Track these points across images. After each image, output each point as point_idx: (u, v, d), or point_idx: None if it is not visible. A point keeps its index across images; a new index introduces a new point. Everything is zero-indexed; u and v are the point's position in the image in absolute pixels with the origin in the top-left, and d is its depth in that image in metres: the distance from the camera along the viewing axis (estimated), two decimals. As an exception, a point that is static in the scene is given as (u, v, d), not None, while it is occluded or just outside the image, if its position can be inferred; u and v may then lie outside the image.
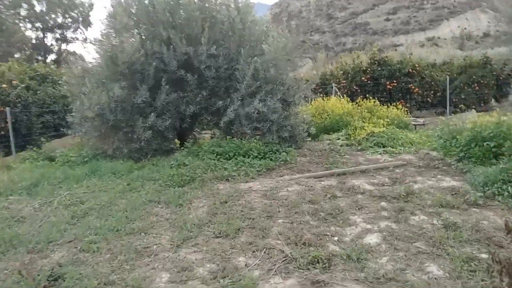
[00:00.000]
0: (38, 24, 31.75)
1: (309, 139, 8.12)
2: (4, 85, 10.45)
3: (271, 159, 6.38)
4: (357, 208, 4.10)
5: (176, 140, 8.55)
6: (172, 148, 7.45)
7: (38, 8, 31.15)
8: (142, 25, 7.24)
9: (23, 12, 30.46)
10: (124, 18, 6.92)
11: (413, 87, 14.27)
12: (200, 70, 7.20)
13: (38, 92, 12.69)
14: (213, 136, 8.38)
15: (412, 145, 7.06)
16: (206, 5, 7.65)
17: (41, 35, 32.24)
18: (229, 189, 4.99)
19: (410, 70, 14.38)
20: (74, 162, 6.92)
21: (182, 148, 7.02)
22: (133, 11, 7.25)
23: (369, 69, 14.66)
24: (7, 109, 9.08)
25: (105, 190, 5.30)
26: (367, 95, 14.33)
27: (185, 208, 4.42)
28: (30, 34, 32.41)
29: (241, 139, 6.98)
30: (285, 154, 6.47)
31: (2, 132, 10.07)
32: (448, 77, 14.52)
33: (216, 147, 6.71)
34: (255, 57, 7.03)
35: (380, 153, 6.62)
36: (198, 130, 8.70)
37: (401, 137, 7.37)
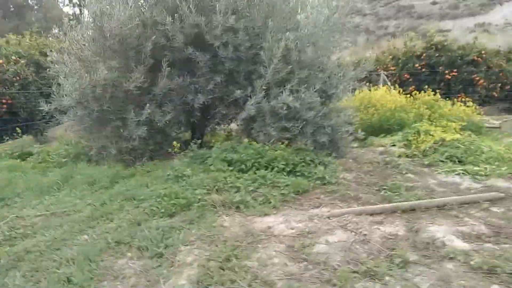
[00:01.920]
0: (75, 0, 31.05)
1: (355, 144, 6.23)
2: (0, 61, 9.16)
3: (302, 175, 4.58)
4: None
5: (186, 134, 6.93)
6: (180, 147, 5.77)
7: None
8: (140, -15, 5.54)
9: None
10: (117, -24, 5.25)
11: (477, 78, 11.87)
12: (214, 48, 5.44)
13: (47, 70, 11.42)
14: (229, 134, 6.66)
15: (501, 162, 5.02)
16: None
17: (78, 11, 31.62)
18: (238, 228, 3.28)
19: (475, 57, 11.95)
20: (50, 163, 5.45)
21: (185, 151, 5.35)
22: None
23: (424, 54, 12.35)
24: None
25: (67, 214, 3.75)
26: (421, 86, 12.22)
27: (165, 264, 2.77)
28: (68, 9, 31.87)
29: (263, 142, 5.23)
30: (322, 169, 4.65)
31: (-2, 115, 8.84)
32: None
33: (230, 152, 5.00)
34: (287, 32, 5.18)
35: (458, 174, 4.65)
36: (214, 126, 6.96)
37: (484, 149, 5.34)
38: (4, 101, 9.03)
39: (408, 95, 9.29)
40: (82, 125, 5.54)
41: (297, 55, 5.24)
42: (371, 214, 3.54)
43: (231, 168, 4.68)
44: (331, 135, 5.36)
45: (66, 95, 5.25)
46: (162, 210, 3.65)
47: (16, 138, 7.17)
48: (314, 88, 5.05)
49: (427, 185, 4.34)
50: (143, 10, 5.51)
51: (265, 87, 5.25)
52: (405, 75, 12.53)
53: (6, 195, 4.16)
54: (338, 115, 5.55)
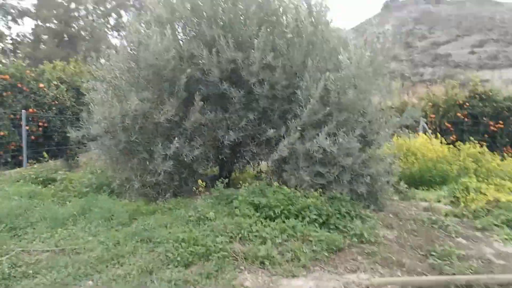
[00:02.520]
0: (123, 33, 32.63)
1: (396, 197, 5.68)
2: (41, 85, 9.42)
3: (337, 229, 4.11)
4: None
5: (214, 169, 6.65)
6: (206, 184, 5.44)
7: (125, 18, 32.12)
8: (179, 18, 5.48)
9: (112, 21, 31.48)
10: (158, 8, 5.23)
11: (527, 132, 11.06)
12: (249, 85, 5.23)
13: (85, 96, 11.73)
14: (258, 174, 6.30)
15: None
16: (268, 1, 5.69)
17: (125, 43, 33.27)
18: (261, 291, 2.84)
19: (525, 109, 11.20)
20: (71, 192, 5.25)
21: (211, 189, 5.02)
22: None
23: (467, 103, 11.73)
24: (23, 112, 7.84)
25: (77, 252, 3.45)
26: (463, 136, 11.52)
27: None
28: (116, 41, 33.65)
29: (294, 187, 4.83)
30: (359, 224, 4.16)
31: (33, 137, 8.96)
32: None
33: (258, 195, 4.61)
34: (327, 73, 4.90)
35: (518, 243, 4.03)
36: (243, 164, 6.64)
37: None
38: (40, 124, 9.19)
39: (450, 146, 8.70)
40: (108, 155, 5.36)
41: (336, 97, 4.91)
42: (419, 287, 3.00)
43: (258, 213, 4.29)
44: (370, 185, 4.88)
45: (95, 123, 5.13)
46: (178, 258, 3.27)
47: (46, 161, 7.13)
48: (354, 133, 4.65)
49: (483, 255, 3.73)
50: (180, 43, 5.43)
51: (300, 128, 4.91)
52: (446, 124, 11.88)
53: (19, 224, 3.93)
54: (378, 163, 5.09)
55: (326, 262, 3.40)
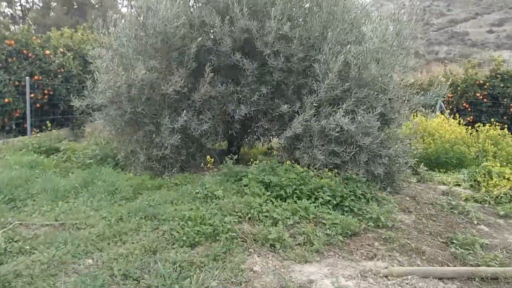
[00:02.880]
0: (133, 2, 31.94)
1: (414, 179, 5.41)
2: (47, 52, 9.13)
3: (351, 212, 3.89)
4: None
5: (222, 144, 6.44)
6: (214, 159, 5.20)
7: None
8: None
9: None
10: (167, -30, 4.85)
11: (549, 116, 10.60)
12: (263, 56, 4.91)
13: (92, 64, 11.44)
14: (268, 151, 6.06)
15: None
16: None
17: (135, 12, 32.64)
18: (272, 277, 2.65)
19: (548, 92, 10.69)
20: (74, 163, 5.07)
21: (219, 165, 4.81)
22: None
23: (488, 83, 11.23)
24: (27, 78, 7.60)
25: (77, 227, 3.29)
26: (481, 117, 11.11)
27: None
28: (125, 10, 32.97)
29: (307, 166, 4.59)
30: (375, 207, 3.93)
31: (38, 105, 8.78)
32: None
33: (269, 174, 4.39)
34: (348, 45, 4.54)
35: (545, 232, 3.78)
36: (253, 140, 6.39)
37: None
38: (46, 91, 8.97)
39: (468, 127, 8.36)
40: (113, 125, 5.15)
41: (357, 72, 4.58)
42: (441, 278, 2.79)
43: (268, 193, 4.07)
44: (388, 166, 4.62)
45: (100, 92, 4.89)
46: (184, 238, 3.09)
47: (50, 130, 6.94)
48: (375, 110, 4.35)
49: (508, 245, 3.49)
50: (191, 9, 5.09)
51: (316, 104, 4.62)
52: (464, 104, 11.45)
53: (18, 196, 3.76)
54: (396, 144, 4.80)
55: (341, 247, 3.19)
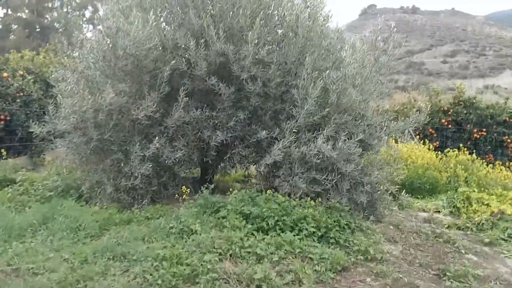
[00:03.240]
0: (99, 27, 31.33)
1: (395, 207, 5.30)
2: (5, 74, 8.55)
3: (337, 244, 3.67)
4: None
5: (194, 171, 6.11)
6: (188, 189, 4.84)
7: (101, 12, 30.83)
8: (164, 4, 4.93)
9: (87, 14, 30.07)
10: (139, -8, 4.66)
11: (509, 141, 11.09)
12: (240, 81, 4.74)
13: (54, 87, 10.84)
14: (245, 178, 5.80)
15: None
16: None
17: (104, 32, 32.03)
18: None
19: (507, 118, 11.23)
20: (32, 196, 4.58)
21: (194, 196, 4.49)
22: (155, -16, 4.95)
23: (451, 110, 11.69)
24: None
25: (33, 272, 2.85)
26: (446, 142, 11.47)
27: None
28: (90, 35, 32.27)
29: (288, 195, 4.37)
30: (362, 238, 3.74)
31: (-8, 132, 8.10)
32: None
33: (248, 204, 4.11)
34: (327, 71, 4.47)
35: (531, 260, 3.72)
36: (229, 168, 6.10)
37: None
38: (2, 117, 8.32)
39: (438, 152, 8.55)
40: (77, 154, 4.73)
41: (336, 97, 4.49)
42: (441, 317, 2.59)
43: (249, 225, 3.79)
44: (370, 194, 4.49)
45: (63, 118, 4.50)
46: (159, 281, 2.74)
47: (5, 159, 6.35)
48: (356, 137, 4.24)
49: (499, 275, 3.39)
50: (164, 31, 4.87)
51: (295, 130, 4.46)
52: (430, 130, 11.80)
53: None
54: (378, 171, 4.70)
55: (332, 285, 2.95)
